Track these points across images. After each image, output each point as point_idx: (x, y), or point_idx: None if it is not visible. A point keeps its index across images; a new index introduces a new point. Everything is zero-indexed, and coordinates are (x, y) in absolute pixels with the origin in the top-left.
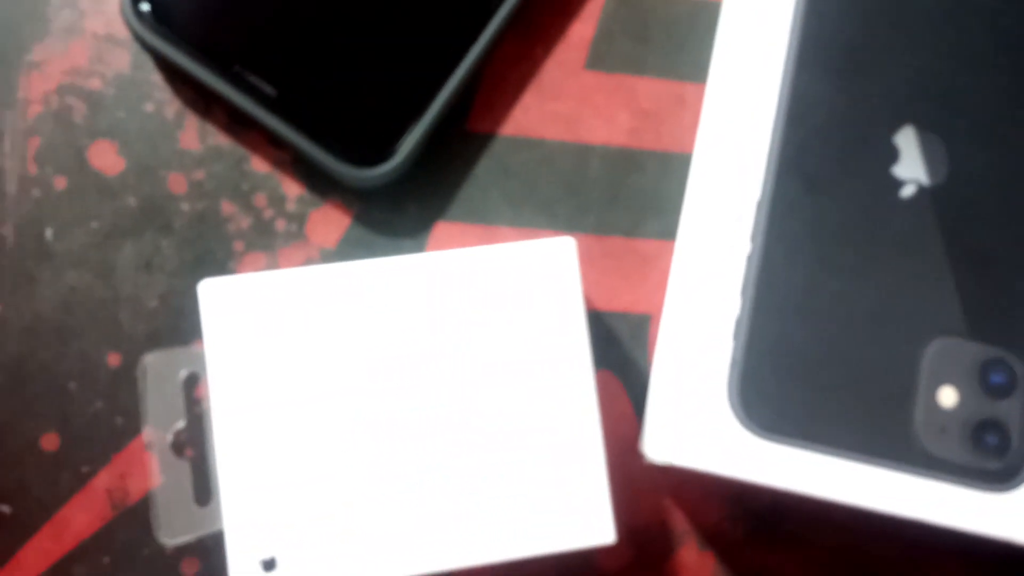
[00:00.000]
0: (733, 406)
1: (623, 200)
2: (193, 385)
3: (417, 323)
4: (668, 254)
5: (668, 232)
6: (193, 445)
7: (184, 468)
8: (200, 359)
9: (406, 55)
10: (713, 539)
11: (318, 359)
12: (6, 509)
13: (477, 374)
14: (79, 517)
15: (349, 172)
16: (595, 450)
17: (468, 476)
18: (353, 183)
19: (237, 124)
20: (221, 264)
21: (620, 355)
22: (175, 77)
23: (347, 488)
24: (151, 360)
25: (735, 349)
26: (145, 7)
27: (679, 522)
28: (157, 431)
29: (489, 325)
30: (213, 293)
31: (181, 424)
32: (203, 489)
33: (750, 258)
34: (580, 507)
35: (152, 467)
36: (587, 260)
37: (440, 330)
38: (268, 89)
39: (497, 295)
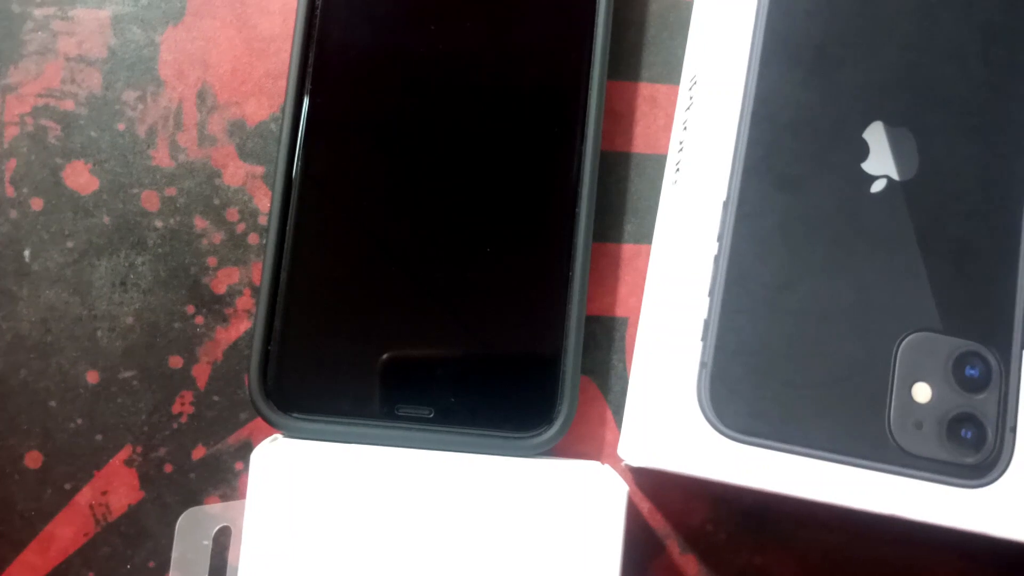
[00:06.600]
0: (703, 408)
1: (597, 203)
2: (222, 539)
3: (455, 518)
4: (644, 257)
5: (644, 235)
6: None
7: None
8: (235, 514)
9: (523, 314)
10: (696, 542)
11: (352, 540)
12: None
13: None
14: (64, 532)
15: (526, 443)
16: None
17: None
18: (534, 451)
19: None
20: (195, 279)
21: (598, 359)
22: None
23: None
24: (187, 516)
25: (704, 351)
26: (280, 399)
27: (661, 525)
28: None
29: (522, 539)
30: (264, 460)
31: None
32: None
33: (717, 258)
34: None
35: None
36: None
37: (475, 530)
38: (425, 412)
39: (537, 511)
